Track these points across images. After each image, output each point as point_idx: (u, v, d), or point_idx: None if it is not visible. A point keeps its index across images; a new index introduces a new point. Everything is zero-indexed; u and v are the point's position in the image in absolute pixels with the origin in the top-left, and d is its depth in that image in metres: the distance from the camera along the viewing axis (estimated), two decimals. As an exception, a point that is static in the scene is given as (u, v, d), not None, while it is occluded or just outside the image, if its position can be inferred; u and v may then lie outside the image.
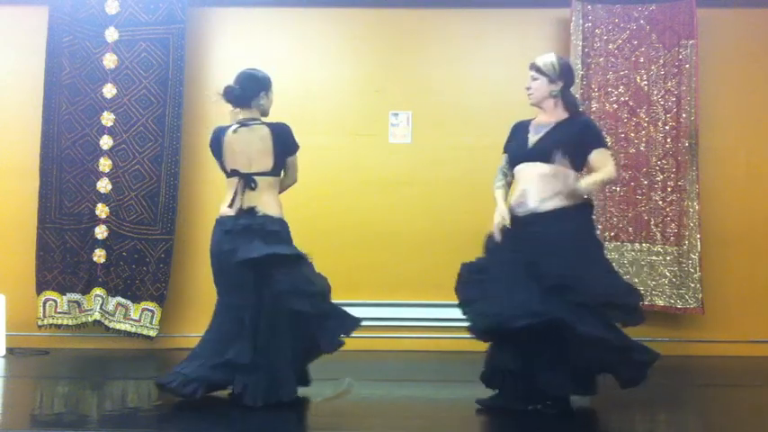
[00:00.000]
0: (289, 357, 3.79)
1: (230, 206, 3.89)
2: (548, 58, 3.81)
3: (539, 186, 3.68)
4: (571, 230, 3.63)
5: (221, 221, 3.94)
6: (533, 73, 3.81)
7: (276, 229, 3.85)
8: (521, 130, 3.90)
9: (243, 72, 4.01)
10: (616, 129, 5.78)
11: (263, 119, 3.99)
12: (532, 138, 3.80)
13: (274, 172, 3.94)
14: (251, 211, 3.85)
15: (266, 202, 3.88)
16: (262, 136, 3.89)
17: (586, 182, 3.68)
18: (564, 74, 3.79)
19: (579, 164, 3.76)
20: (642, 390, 3.82)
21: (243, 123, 3.93)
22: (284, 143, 3.93)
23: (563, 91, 3.78)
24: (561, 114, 3.80)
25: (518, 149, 3.84)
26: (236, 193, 3.89)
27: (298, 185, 4.15)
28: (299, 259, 3.88)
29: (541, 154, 3.71)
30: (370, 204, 5.88)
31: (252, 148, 3.89)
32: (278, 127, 3.94)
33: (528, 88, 3.83)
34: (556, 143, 3.69)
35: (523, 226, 3.70)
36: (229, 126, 3.97)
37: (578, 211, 3.70)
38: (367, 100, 5.98)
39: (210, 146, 4.02)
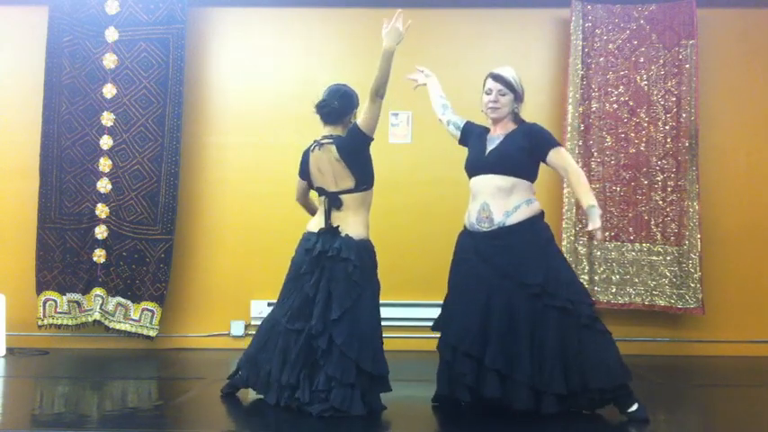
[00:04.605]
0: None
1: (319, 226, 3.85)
2: (512, 73, 3.82)
3: (500, 201, 3.71)
4: (539, 239, 3.73)
5: (306, 237, 3.90)
6: (502, 87, 3.80)
7: (347, 257, 3.72)
8: (478, 136, 3.92)
9: (338, 89, 3.95)
10: (616, 129, 5.78)
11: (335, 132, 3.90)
12: (489, 148, 3.83)
13: (358, 188, 3.83)
14: (334, 230, 3.79)
15: (352, 222, 3.80)
16: (332, 155, 3.82)
17: (587, 203, 3.65)
18: (522, 90, 3.87)
19: (535, 171, 3.81)
20: (642, 390, 3.82)
21: (318, 143, 3.90)
22: (349, 150, 3.80)
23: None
24: (510, 126, 3.84)
25: (475, 159, 3.84)
26: (325, 213, 3.83)
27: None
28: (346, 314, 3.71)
29: (497, 165, 3.74)
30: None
31: (332, 168, 3.83)
32: (340, 140, 3.83)
33: (495, 102, 3.81)
34: (510, 152, 3.73)
35: (490, 240, 3.72)
36: (311, 145, 3.94)
37: (540, 220, 3.78)
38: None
39: (300, 166, 4.03)
